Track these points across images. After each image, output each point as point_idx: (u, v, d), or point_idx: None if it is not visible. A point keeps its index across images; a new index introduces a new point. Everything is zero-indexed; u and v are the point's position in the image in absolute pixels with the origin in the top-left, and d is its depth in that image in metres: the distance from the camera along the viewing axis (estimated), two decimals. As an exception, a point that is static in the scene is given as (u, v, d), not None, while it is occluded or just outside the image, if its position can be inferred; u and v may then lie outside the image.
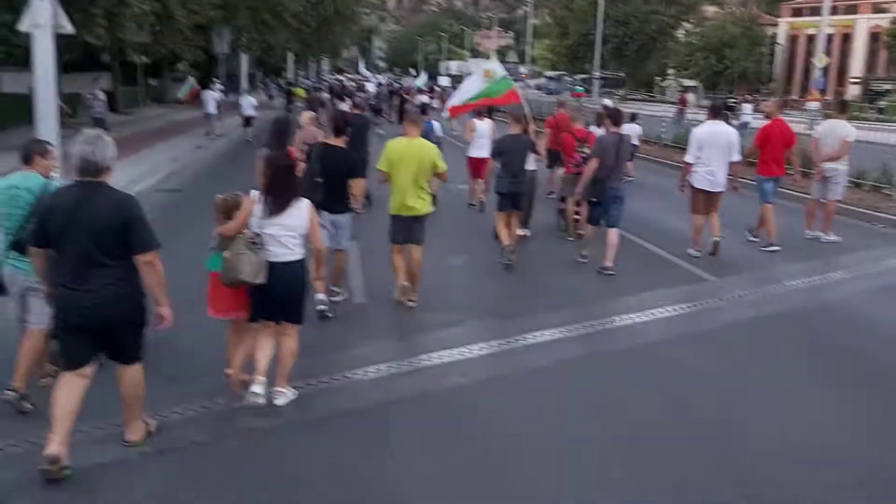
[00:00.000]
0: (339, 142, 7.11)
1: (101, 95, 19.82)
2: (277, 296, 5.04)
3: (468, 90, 11.00)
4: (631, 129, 16.66)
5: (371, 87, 38.10)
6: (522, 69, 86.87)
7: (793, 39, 70.51)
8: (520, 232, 9.84)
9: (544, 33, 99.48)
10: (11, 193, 4.95)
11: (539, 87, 78.62)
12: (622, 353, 6.47)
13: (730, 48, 67.06)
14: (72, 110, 24.07)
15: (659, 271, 9.25)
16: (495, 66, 11.03)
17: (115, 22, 15.73)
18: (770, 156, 10.23)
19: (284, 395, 5.14)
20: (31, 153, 5.13)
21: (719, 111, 10.11)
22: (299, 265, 5.14)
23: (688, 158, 9.71)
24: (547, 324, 6.99)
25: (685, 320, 7.38)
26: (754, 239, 10.63)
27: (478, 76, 11.04)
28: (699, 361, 6.37)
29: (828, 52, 67.19)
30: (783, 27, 71.53)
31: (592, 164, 8.67)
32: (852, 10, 65.35)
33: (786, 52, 70.56)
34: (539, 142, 10.16)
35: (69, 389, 4.20)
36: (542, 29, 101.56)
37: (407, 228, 7.25)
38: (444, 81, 45.46)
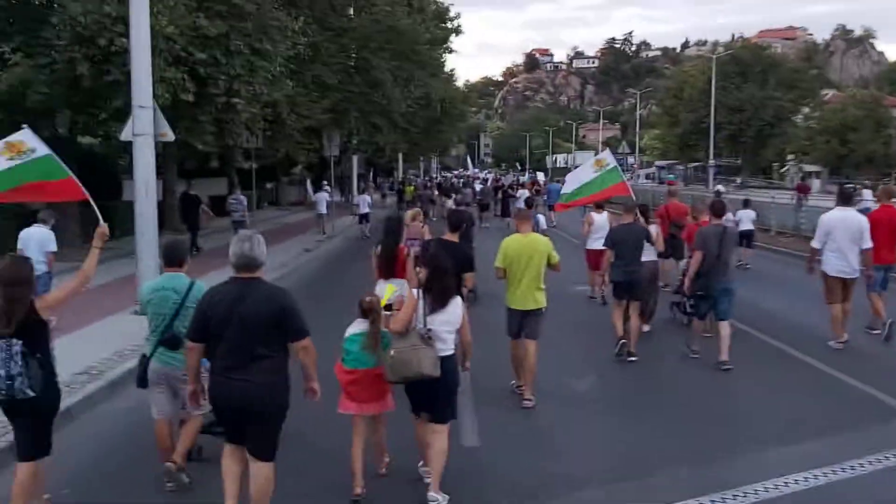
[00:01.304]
0: (454, 237, 7.55)
1: (243, 200, 20.37)
2: (432, 390, 5.13)
3: (578, 179, 11.14)
4: (745, 215, 16.84)
5: (478, 185, 38.41)
6: (632, 159, 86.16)
7: (924, 119, 66.32)
8: (644, 328, 9.78)
9: (652, 123, 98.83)
10: (161, 294, 5.31)
11: (649, 177, 77.41)
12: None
13: (853, 131, 63.64)
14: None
15: (833, 398, 7.59)
16: (607, 156, 11.18)
17: (224, 128, 15.70)
18: (878, 243, 9.50)
19: (438, 502, 5.08)
20: (184, 256, 5.56)
21: (849, 197, 9.92)
22: (453, 359, 5.28)
23: (814, 244, 9.57)
24: (709, 484, 5.43)
25: (897, 478, 5.62)
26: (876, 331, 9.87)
27: (588, 165, 11.19)
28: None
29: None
30: (912, 107, 67.59)
31: (696, 257, 8.75)
32: None
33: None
34: (657, 232, 10.29)
35: (233, 458, 4.59)
36: (651, 119, 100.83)
37: (524, 322, 7.39)
38: (540, 177, 45.53)
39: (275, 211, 37.54)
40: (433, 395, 5.16)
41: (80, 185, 5.88)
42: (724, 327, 8.64)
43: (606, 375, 8.44)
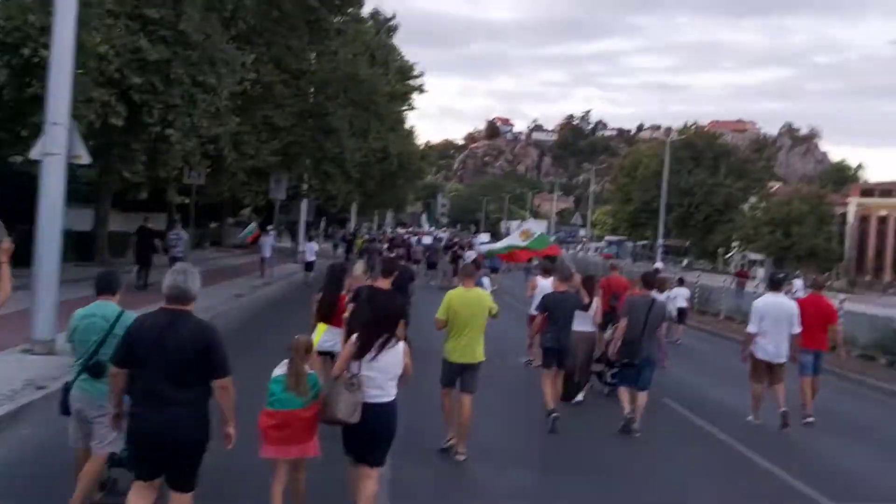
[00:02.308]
0: (385, 284, 7.46)
1: (184, 236, 19.58)
2: (368, 436, 5.15)
3: (502, 242, 12.19)
4: (679, 293, 18.00)
5: (427, 240, 38.70)
6: (582, 231, 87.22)
7: (863, 219, 68.57)
8: (578, 398, 9.93)
9: (605, 198, 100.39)
10: (89, 321, 5.29)
11: (598, 251, 78.18)
12: None
13: (797, 224, 65.31)
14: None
15: (763, 494, 7.25)
16: (532, 227, 11.31)
17: (158, 159, 14.70)
18: (807, 329, 9.90)
19: None
20: (118, 285, 5.56)
21: (779, 284, 10.46)
22: (392, 406, 5.25)
23: (750, 329, 9.79)
24: None
25: None
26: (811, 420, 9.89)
27: (515, 235, 12.00)
28: None
29: (903, 234, 65.46)
30: (853, 207, 69.83)
31: (621, 325, 8.88)
32: (928, 191, 63.74)
33: (856, 231, 68.42)
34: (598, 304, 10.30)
35: (140, 496, 4.44)
36: (604, 194, 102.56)
37: (460, 374, 7.43)
38: (483, 238, 46.39)
39: (216, 252, 36.20)
40: (363, 440, 5.16)
41: None
42: (642, 397, 8.81)
43: (530, 443, 8.29)
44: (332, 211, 52.98)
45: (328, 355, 7.46)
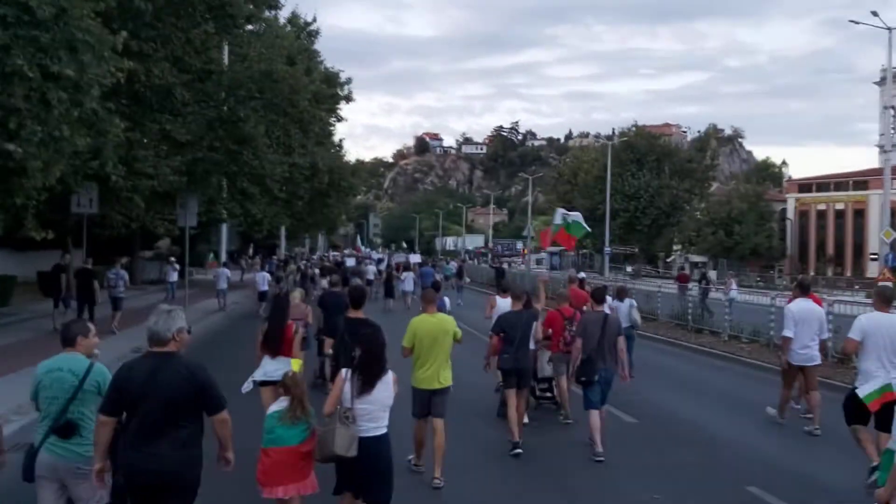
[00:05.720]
0: (360, 314, 7.80)
1: (124, 275, 18.61)
2: (368, 470, 5.22)
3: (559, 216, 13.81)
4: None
5: (350, 262, 36.84)
6: (520, 244, 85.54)
7: (802, 215, 68.24)
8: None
9: (542, 209, 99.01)
10: (56, 376, 5.01)
11: (540, 262, 76.39)
12: None
13: (738, 223, 64.63)
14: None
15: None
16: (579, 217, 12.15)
17: (11, 183, 10.86)
18: None
19: None
20: (74, 335, 5.20)
21: (808, 288, 10.22)
22: (387, 437, 5.41)
23: (786, 333, 9.83)
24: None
25: None
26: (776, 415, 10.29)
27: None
28: None
29: (841, 228, 65.29)
30: (791, 203, 69.53)
31: (577, 344, 8.79)
32: (863, 185, 63.70)
33: (797, 227, 68.04)
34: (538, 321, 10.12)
35: None
36: (537, 204, 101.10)
37: (432, 401, 7.41)
38: (415, 258, 45.01)
39: (126, 291, 32.07)
40: (363, 475, 5.22)
41: None
42: (598, 415, 8.58)
43: (494, 465, 8.18)
44: (258, 236, 49.28)
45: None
